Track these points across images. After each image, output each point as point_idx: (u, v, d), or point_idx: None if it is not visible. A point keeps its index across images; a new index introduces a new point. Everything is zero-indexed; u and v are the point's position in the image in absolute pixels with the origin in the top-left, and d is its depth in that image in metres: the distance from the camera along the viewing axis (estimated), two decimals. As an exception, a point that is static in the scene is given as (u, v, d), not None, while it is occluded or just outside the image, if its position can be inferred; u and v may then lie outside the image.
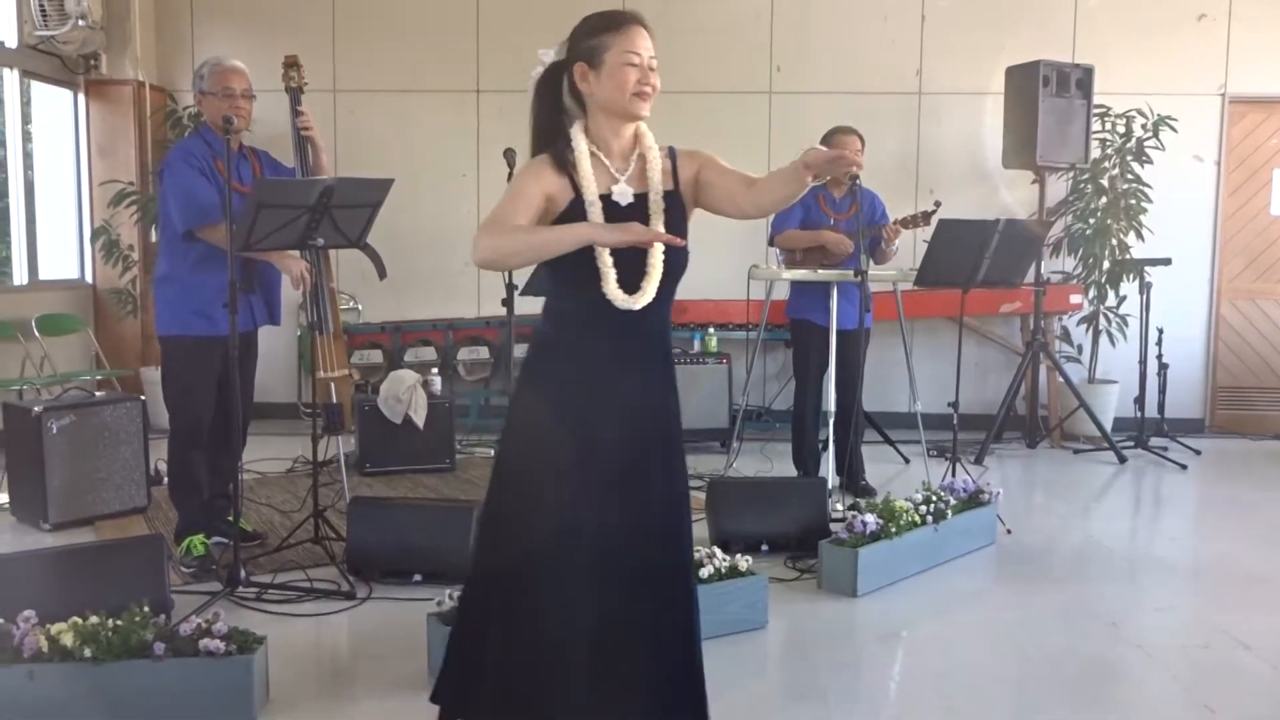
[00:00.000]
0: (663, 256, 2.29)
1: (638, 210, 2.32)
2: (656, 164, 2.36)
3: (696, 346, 6.57)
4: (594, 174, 2.30)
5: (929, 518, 4.01)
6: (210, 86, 3.91)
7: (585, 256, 2.25)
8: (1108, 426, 6.39)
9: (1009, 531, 4.50)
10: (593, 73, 2.31)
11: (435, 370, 6.14)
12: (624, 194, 2.32)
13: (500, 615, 2.29)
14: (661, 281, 2.29)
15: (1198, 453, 6.26)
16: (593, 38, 2.31)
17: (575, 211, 2.28)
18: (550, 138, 2.36)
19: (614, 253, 2.25)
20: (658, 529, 2.33)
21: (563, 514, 2.26)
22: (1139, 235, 6.68)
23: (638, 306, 2.27)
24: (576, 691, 2.25)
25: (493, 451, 2.26)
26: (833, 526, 4.04)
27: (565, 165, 2.31)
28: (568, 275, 2.30)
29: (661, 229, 2.28)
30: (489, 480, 2.40)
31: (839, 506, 4.54)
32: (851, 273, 4.67)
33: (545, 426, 2.30)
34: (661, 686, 2.32)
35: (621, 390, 2.32)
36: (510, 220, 2.24)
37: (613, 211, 2.29)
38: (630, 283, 2.27)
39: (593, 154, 2.32)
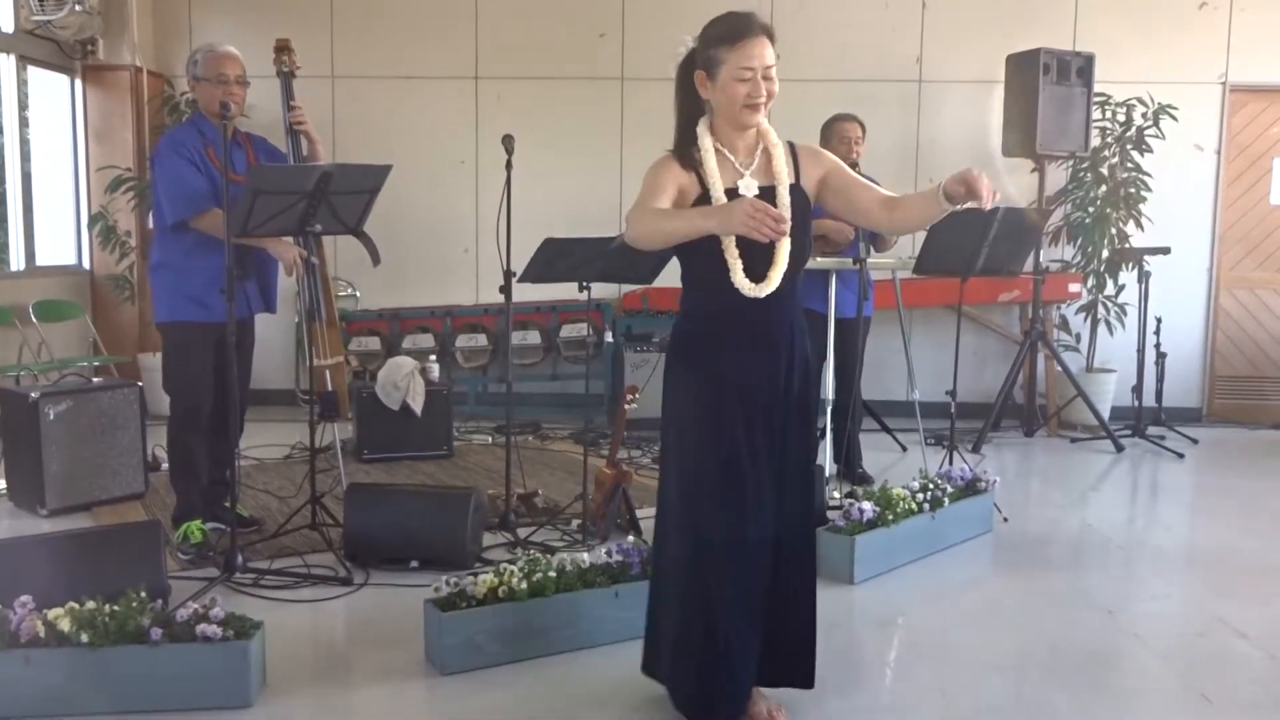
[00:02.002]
0: (788, 248, 2.43)
1: (765, 201, 2.41)
2: (782, 159, 2.50)
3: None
4: (720, 169, 2.44)
5: (926, 505, 4.02)
6: (204, 72, 3.89)
7: (714, 251, 2.41)
8: (1105, 415, 6.39)
9: (1006, 519, 4.50)
10: (710, 82, 2.44)
11: (433, 357, 6.14)
12: (749, 188, 2.47)
13: (717, 594, 2.49)
14: (786, 271, 2.44)
15: (1195, 442, 6.26)
16: (711, 48, 2.44)
17: (701, 205, 2.43)
18: (691, 127, 2.51)
19: (742, 244, 2.39)
20: (797, 505, 2.57)
21: (736, 496, 2.47)
22: (1138, 224, 6.66)
23: (763, 295, 2.42)
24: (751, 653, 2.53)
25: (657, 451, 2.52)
26: (830, 514, 4.04)
27: (691, 163, 2.46)
28: (699, 269, 2.47)
29: (789, 215, 2.39)
30: (662, 477, 2.64)
31: (836, 494, 4.54)
32: (850, 260, 4.66)
33: (704, 417, 2.49)
34: (790, 649, 2.62)
35: (759, 375, 2.49)
36: (653, 206, 2.42)
37: None
38: (757, 272, 2.43)
39: (717, 150, 2.46)
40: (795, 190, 2.50)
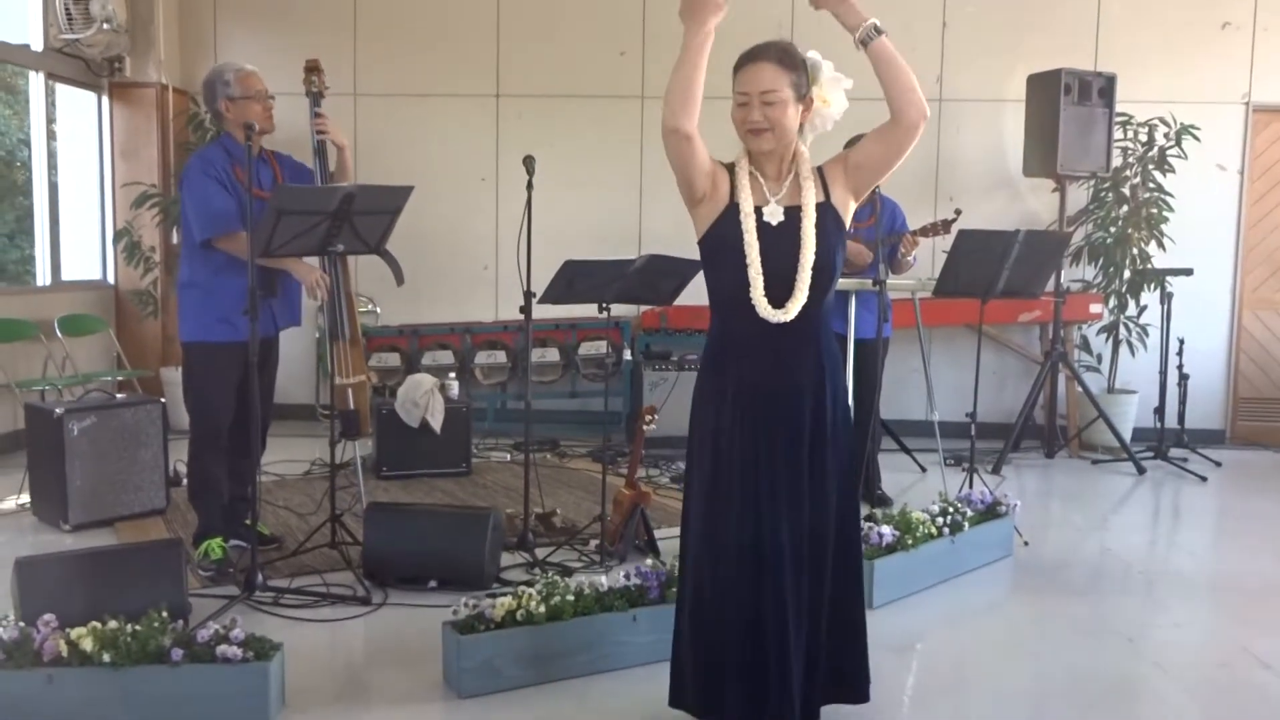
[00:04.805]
0: (810, 274, 2.46)
1: (789, 227, 2.50)
2: (810, 186, 2.53)
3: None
4: (751, 189, 2.51)
5: (945, 529, 4.00)
6: (238, 91, 3.93)
7: (738, 268, 2.45)
8: (1127, 437, 6.35)
9: (1026, 544, 4.47)
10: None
11: (452, 374, 6.17)
12: (775, 214, 2.52)
13: (728, 618, 2.49)
14: (811, 295, 2.46)
15: (1218, 464, 6.21)
16: (732, 76, 2.52)
17: (730, 217, 2.49)
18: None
19: (764, 266, 2.44)
20: (824, 528, 2.52)
21: (745, 521, 2.47)
22: (1160, 244, 6.63)
23: (779, 320, 2.45)
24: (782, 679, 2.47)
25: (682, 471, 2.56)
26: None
27: (729, 171, 2.54)
28: (722, 287, 2.52)
29: (812, 244, 2.46)
30: (685, 492, 2.64)
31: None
32: (870, 282, 4.66)
33: (717, 442, 2.51)
34: (831, 670, 2.59)
35: (778, 400, 2.50)
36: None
37: (764, 230, 2.48)
38: (778, 298, 2.45)
39: (751, 173, 2.53)
40: (824, 208, 2.52)
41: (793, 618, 2.48)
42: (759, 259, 2.44)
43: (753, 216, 2.47)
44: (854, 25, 2.48)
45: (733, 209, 2.48)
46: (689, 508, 2.60)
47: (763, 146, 2.48)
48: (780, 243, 2.47)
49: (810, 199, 2.50)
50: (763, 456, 2.48)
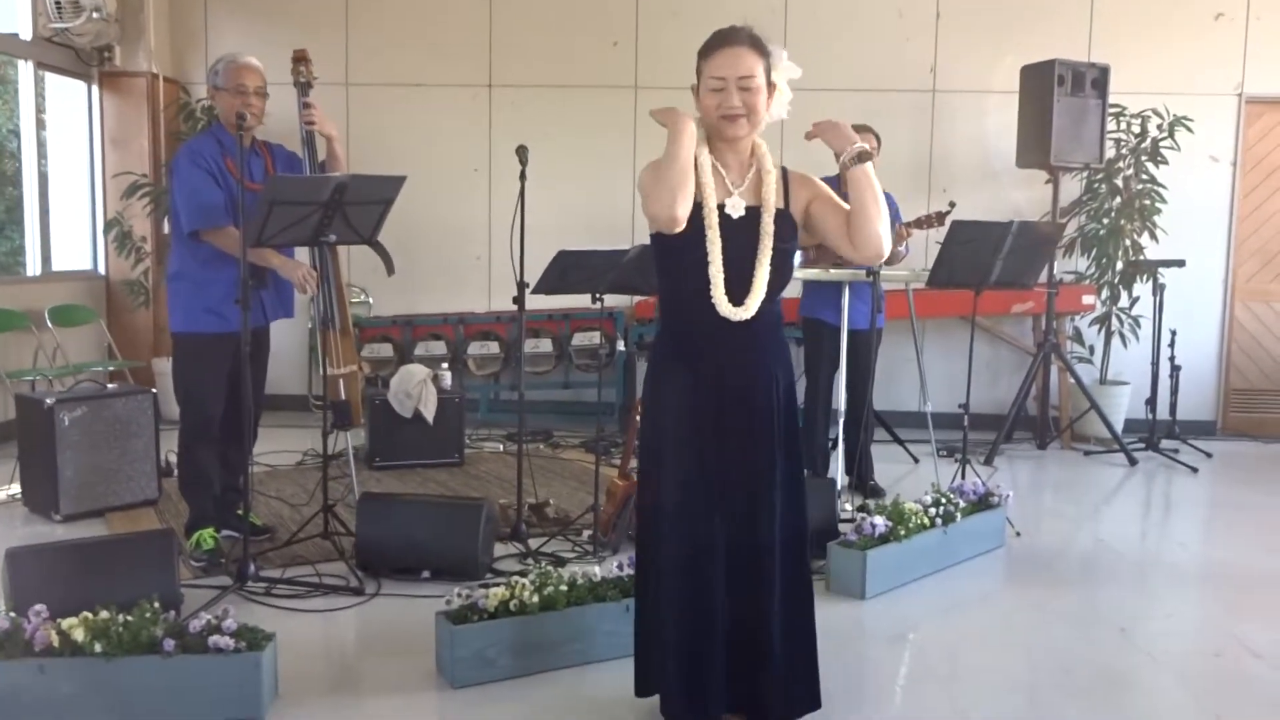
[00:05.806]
0: (768, 273, 2.45)
1: (749, 223, 2.48)
2: (772, 181, 2.51)
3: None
4: (715, 185, 2.47)
5: (938, 520, 4.00)
6: (224, 82, 3.91)
7: (699, 265, 2.43)
8: (1119, 428, 6.37)
9: (1018, 534, 4.48)
10: (696, 95, 2.50)
11: (445, 364, 6.16)
12: (736, 207, 2.49)
13: (670, 604, 2.49)
14: (765, 295, 2.45)
15: (1209, 455, 6.23)
16: (698, 61, 2.48)
17: (694, 216, 2.45)
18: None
19: (726, 263, 2.42)
20: (774, 528, 2.51)
21: (696, 515, 2.46)
22: (1153, 236, 6.64)
23: (739, 318, 2.44)
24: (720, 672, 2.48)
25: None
26: (841, 528, 4.03)
27: (693, 169, 2.48)
28: (678, 283, 2.49)
29: (770, 243, 2.45)
30: (641, 492, 2.64)
31: (848, 507, 4.53)
32: (864, 272, 4.66)
33: (670, 437, 2.50)
34: (781, 676, 2.52)
35: (734, 393, 2.49)
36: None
37: (725, 223, 2.46)
38: (736, 295, 2.44)
39: (713, 165, 2.49)
40: (781, 215, 2.51)
41: (747, 611, 2.48)
42: (720, 258, 2.42)
43: (716, 213, 2.44)
44: (839, 149, 2.50)
45: (695, 209, 2.44)
46: (650, 505, 2.57)
47: (737, 133, 2.45)
48: (739, 239, 2.45)
49: (771, 198, 2.48)
50: (722, 448, 2.47)
